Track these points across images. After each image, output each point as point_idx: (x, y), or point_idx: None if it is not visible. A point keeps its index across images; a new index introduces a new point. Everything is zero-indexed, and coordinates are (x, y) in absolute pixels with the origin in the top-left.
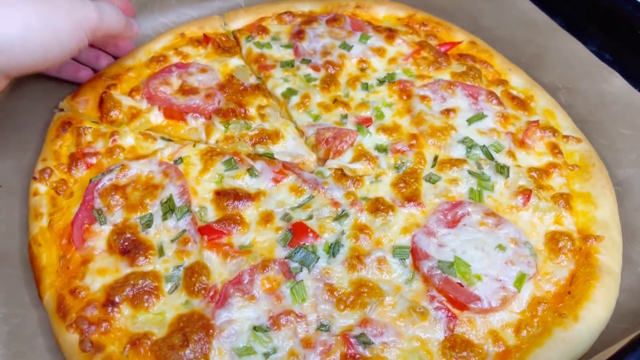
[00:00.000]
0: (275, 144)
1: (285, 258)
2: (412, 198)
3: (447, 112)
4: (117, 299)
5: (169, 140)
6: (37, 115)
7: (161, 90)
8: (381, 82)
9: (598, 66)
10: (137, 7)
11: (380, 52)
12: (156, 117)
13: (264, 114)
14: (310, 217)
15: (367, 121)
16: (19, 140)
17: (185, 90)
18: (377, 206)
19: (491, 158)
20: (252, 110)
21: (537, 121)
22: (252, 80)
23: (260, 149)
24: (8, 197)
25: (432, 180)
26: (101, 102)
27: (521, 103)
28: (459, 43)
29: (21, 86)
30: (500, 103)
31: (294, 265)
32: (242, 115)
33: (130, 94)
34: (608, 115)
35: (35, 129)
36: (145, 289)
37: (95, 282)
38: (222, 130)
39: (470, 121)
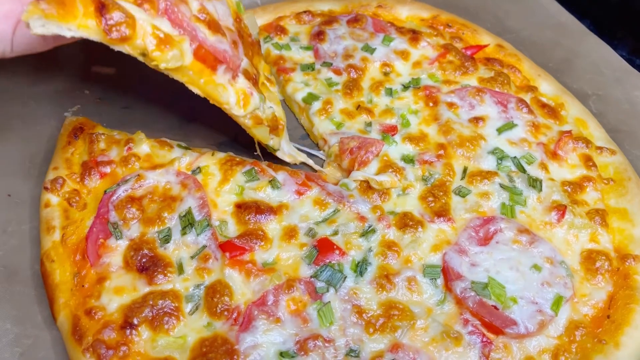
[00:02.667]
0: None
1: (311, 277)
2: (442, 213)
3: (476, 120)
4: (135, 321)
5: (186, 148)
6: (46, 121)
7: (181, 10)
8: (406, 87)
9: (629, 72)
10: None
11: (404, 55)
12: (187, 53)
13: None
14: (336, 233)
15: (392, 129)
16: (28, 147)
17: (209, 23)
18: (406, 221)
19: (523, 170)
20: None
21: (569, 131)
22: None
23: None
24: (17, 207)
25: (462, 193)
26: (102, 7)
27: (552, 111)
28: (485, 46)
29: (28, 91)
30: (530, 111)
31: (320, 285)
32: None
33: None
34: None
35: (44, 135)
36: (165, 309)
37: (112, 302)
38: (256, 103)
39: (500, 130)
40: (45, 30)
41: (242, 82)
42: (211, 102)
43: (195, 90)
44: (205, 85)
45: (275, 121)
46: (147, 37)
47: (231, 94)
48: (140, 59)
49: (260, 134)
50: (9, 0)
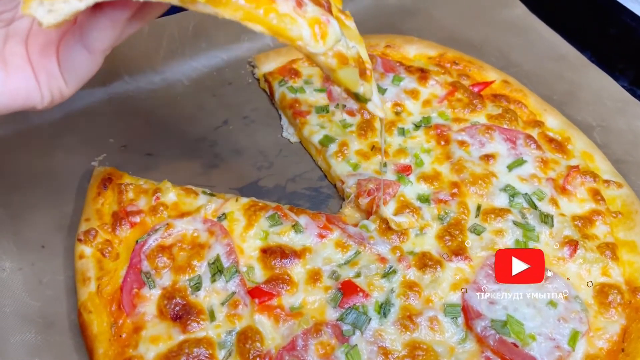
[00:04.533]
0: None
1: (337, 320)
2: (459, 252)
3: (487, 157)
4: None
5: (211, 195)
6: (74, 171)
7: None
8: (417, 126)
9: (631, 102)
10: (168, 52)
11: (414, 94)
12: None
13: None
14: (359, 275)
15: (406, 169)
16: (58, 198)
17: None
18: (425, 261)
19: (534, 207)
20: None
21: (577, 166)
22: None
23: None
24: (52, 258)
25: (477, 231)
26: None
27: (559, 146)
28: (491, 82)
29: (54, 143)
30: (538, 147)
31: (346, 327)
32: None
33: None
34: None
35: (73, 185)
36: (200, 357)
37: (150, 351)
38: (337, 34)
39: (510, 167)
40: (55, 16)
41: (312, 9)
42: (280, 40)
43: (258, 29)
44: (266, 16)
45: (361, 63)
46: None
47: (303, 26)
48: (175, 2)
49: (348, 77)
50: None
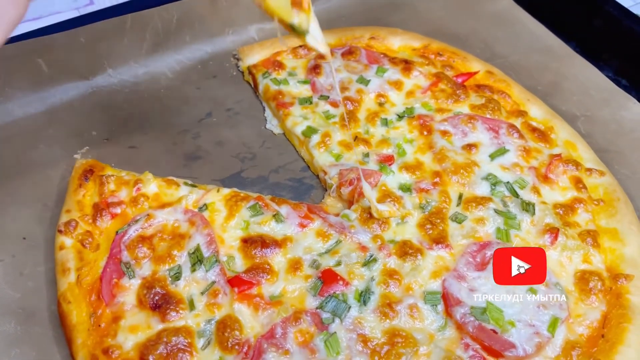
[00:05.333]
0: None
1: (317, 308)
2: (440, 240)
3: (469, 147)
4: (150, 358)
5: (193, 186)
6: (56, 163)
7: None
8: (400, 117)
9: (615, 92)
10: (152, 45)
11: (397, 85)
12: None
13: None
14: (339, 264)
15: (389, 159)
16: (40, 190)
17: None
18: (405, 250)
19: (516, 195)
20: None
21: (559, 154)
22: None
23: None
24: (32, 250)
25: (458, 220)
26: None
27: (542, 135)
28: (475, 73)
29: (38, 136)
30: (521, 136)
31: (325, 315)
32: None
33: None
34: (628, 144)
35: (55, 178)
36: (179, 346)
37: (128, 341)
38: None
39: (492, 156)
40: None
41: None
42: None
43: None
44: None
45: None
46: None
47: None
48: None
49: (278, 4)
50: None
